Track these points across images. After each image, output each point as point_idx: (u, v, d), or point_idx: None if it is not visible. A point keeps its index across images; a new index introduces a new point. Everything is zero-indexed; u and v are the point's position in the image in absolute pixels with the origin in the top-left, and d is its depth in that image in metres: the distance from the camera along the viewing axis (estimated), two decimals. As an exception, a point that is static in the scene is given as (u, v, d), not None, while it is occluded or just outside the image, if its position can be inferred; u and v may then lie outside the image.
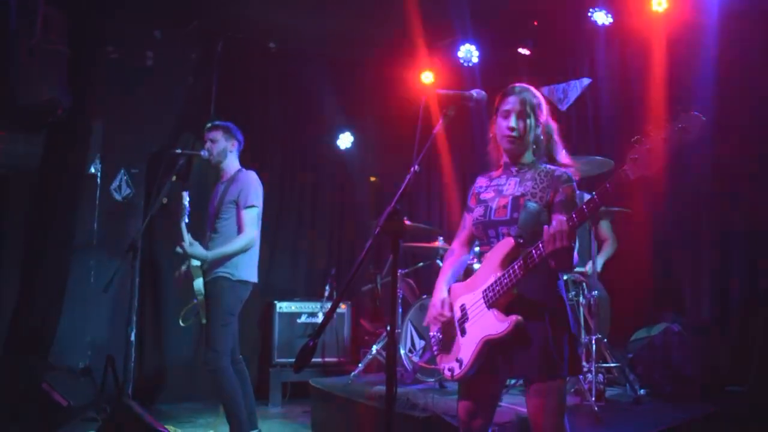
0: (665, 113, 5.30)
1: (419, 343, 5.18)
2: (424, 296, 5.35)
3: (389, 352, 2.20)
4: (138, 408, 3.79)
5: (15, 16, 4.86)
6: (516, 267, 2.39)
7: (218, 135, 4.49)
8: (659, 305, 5.19)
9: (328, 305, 6.47)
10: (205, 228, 4.51)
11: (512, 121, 2.59)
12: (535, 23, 6.16)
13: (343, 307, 6.63)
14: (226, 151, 4.51)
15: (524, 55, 6.24)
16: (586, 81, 5.99)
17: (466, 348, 2.52)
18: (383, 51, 7.16)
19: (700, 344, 4.45)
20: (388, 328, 2.29)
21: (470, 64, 6.64)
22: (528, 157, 2.66)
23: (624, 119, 5.65)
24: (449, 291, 2.70)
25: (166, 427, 3.86)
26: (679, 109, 2.06)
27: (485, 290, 2.50)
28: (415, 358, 5.11)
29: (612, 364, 4.50)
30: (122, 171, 5.99)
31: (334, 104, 7.44)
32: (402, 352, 5.16)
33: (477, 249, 2.91)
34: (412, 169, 2.37)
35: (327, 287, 6.79)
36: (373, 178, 7.93)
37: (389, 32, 6.61)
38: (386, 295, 5.98)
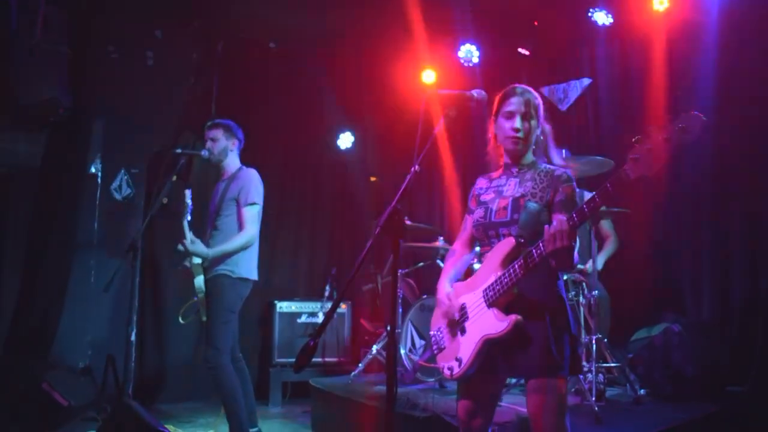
0: (665, 113, 5.30)
1: (419, 343, 5.18)
2: (425, 296, 5.35)
3: (389, 352, 2.20)
4: (138, 408, 3.79)
5: (16, 16, 4.87)
6: (516, 266, 2.40)
7: (219, 134, 4.49)
8: (659, 305, 5.19)
9: (329, 305, 6.47)
10: (205, 226, 4.52)
11: (517, 122, 2.60)
12: (536, 23, 6.16)
13: (343, 307, 6.63)
14: (227, 150, 4.52)
15: (525, 55, 6.24)
16: (586, 81, 5.99)
17: (466, 347, 2.53)
18: (384, 51, 7.15)
19: (701, 344, 4.44)
20: (389, 328, 2.29)
21: (471, 64, 6.64)
22: (529, 157, 2.68)
23: (624, 119, 5.65)
24: (451, 288, 2.72)
25: (167, 426, 3.86)
26: (679, 109, 2.06)
27: (485, 289, 2.50)
28: (415, 357, 5.11)
29: (612, 364, 4.50)
30: (123, 171, 5.99)
31: (335, 104, 7.45)
32: (402, 352, 5.16)
33: (477, 249, 2.92)
34: (412, 169, 2.38)
35: (327, 287, 6.80)
36: (373, 178, 7.93)
37: (390, 32, 6.61)
38: (386, 295, 5.98)
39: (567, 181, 2.56)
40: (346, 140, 7.64)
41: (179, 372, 6.30)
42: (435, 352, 2.72)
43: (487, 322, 2.46)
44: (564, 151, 4.65)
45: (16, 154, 5.63)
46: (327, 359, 6.43)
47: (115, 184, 5.94)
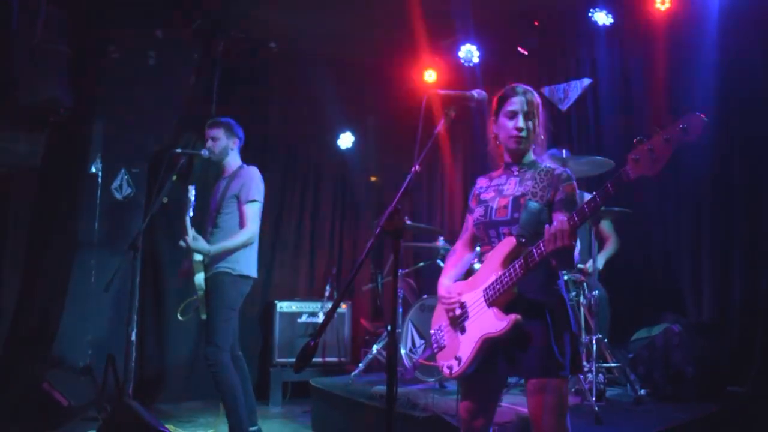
0: (666, 113, 5.31)
1: (419, 343, 5.18)
2: (425, 296, 5.36)
3: (389, 352, 2.20)
4: (138, 407, 3.80)
5: (17, 16, 4.87)
6: (517, 266, 2.40)
7: (220, 133, 4.50)
8: (659, 305, 5.19)
9: (329, 305, 6.47)
10: (205, 224, 4.52)
11: (520, 122, 2.61)
12: (536, 23, 6.16)
13: (343, 307, 6.64)
14: (227, 148, 4.53)
15: (525, 55, 6.24)
16: (586, 81, 5.99)
17: (466, 346, 2.53)
18: (384, 51, 7.16)
19: (701, 344, 4.44)
20: (389, 327, 2.29)
21: (471, 64, 6.64)
22: (529, 156, 2.69)
23: (624, 120, 5.65)
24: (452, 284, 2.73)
25: (167, 426, 3.86)
26: (680, 110, 2.07)
27: (486, 288, 2.51)
28: (415, 357, 5.11)
29: (612, 364, 4.51)
30: (123, 170, 6.00)
31: (335, 104, 7.44)
32: (402, 351, 5.16)
33: (478, 249, 2.93)
34: (413, 169, 2.37)
35: (328, 287, 6.81)
36: (373, 178, 7.94)
37: (390, 32, 6.61)
38: (387, 295, 5.98)
39: (567, 180, 2.57)
40: (346, 140, 7.64)
41: (179, 372, 6.30)
42: (435, 350, 2.73)
43: (486, 322, 2.46)
44: (564, 151, 4.66)
45: (16, 154, 5.62)
46: (327, 359, 6.43)
47: (115, 184, 5.94)
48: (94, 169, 5.83)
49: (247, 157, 4.72)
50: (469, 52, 6.58)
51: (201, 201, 4.56)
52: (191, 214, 4.26)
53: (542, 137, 2.69)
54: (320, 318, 6.51)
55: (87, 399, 5.16)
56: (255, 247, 4.42)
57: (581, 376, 4.09)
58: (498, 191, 2.68)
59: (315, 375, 5.83)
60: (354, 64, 7.50)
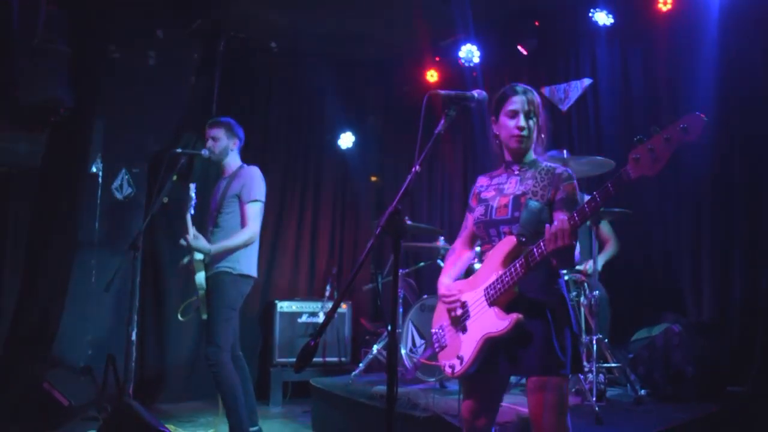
0: (666, 113, 5.31)
1: (420, 343, 5.18)
2: (425, 296, 5.36)
3: (390, 352, 2.20)
4: (139, 407, 3.79)
5: (17, 16, 4.86)
6: (517, 265, 2.41)
7: (220, 133, 4.50)
8: (660, 305, 5.19)
9: (329, 305, 6.47)
10: (206, 224, 4.52)
11: (521, 121, 2.62)
12: (537, 23, 6.16)
13: (344, 307, 6.63)
14: (227, 149, 4.53)
15: (525, 55, 6.24)
16: (587, 81, 5.99)
17: (467, 345, 2.53)
18: (385, 51, 7.16)
19: (701, 344, 4.44)
20: (389, 327, 2.29)
21: (471, 64, 6.64)
22: (530, 156, 2.69)
23: (625, 120, 5.65)
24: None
25: (167, 426, 3.86)
26: (680, 110, 2.07)
27: (487, 288, 2.51)
28: (416, 357, 5.11)
29: (613, 365, 4.51)
30: (124, 170, 6.00)
31: (335, 104, 7.46)
32: (403, 351, 5.16)
33: (478, 249, 2.92)
34: (413, 169, 2.37)
35: (328, 287, 6.81)
36: (374, 178, 7.94)
37: (391, 32, 6.61)
38: (387, 295, 5.98)
39: (568, 180, 2.58)
40: (346, 140, 7.64)
41: (180, 371, 6.30)
42: (436, 350, 2.73)
43: (488, 321, 2.47)
44: (564, 151, 4.66)
45: (17, 153, 5.62)
46: (327, 359, 6.43)
47: (116, 184, 5.95)
48: (94, 169, 5.83)
49: (247, 157, 4.72)
50: (470, 52, 6.58)
51: (201, 201, 4.57)
52: (192, 212, 4.27)
53: (543, 136, 2.70)
54: (320, 318, 6.51)
55: (87, 399, 5.16)
56: (256, 246, 4.42)
57: (581, 376, 4.09)
58: (499, 190, 2.68)
59: (315, 375, 5.83)
60: (354, 64, 7.51)
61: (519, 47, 6.23)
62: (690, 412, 3.99)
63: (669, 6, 5.30)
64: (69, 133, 5.41)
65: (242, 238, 4.28)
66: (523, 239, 2.47)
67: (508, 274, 2.43)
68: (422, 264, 6.04)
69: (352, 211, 7.77)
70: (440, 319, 2.74)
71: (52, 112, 5.22)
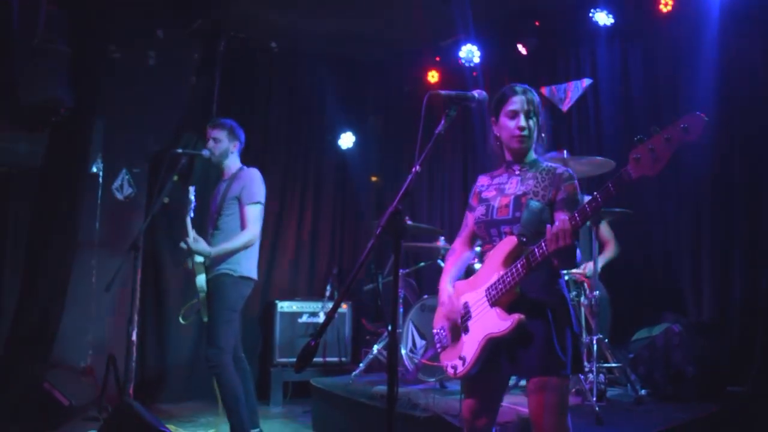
0: (667, 113, 5.31)
1: (420, 343, 5.18)
2: (426, 296, 5.36)
3: (390, 352, 2.20)
4: (139, 407, 3.79)
5: (17, 16, 4.86)
6: (519, 265, 2.41)
7: (222, 134, 4.50)
8: (660, 305, 5.19)
9: (330, 305, 6.47)
10: (206, 226, 4.52)
11: (522, 121, 2.62)
12: (537, 23, 6.16)
13: (344, 307, 6.62)
14: (228, 151, 4.53)
15: (525, 55, 6.24)
16: (587, 81, 5.99)
17: (469, 346, 2.53)
18: (385, 51, 7.16)
19: (701, 344, 4.45)
20: (390, 327, 2.29)
21: (471, 64, 6.64)
22: (531, 156, 2.69)
23: (625, 120, 5.65)
24: (453, 288, 2.72)
25: (168, 426, 3.86)
26: (680, 110, 2.07)
27: (488, 288, 2.51)
28: (416, 357, 5.11)
29: (613, 365, 4.51)
30: (124, 170, 6.00)
31: (336, 104, 7.46)
32: (403, 351, 5.16)
33: (478, 249, 2.92)
34: (413, 169, 2.37)
35: (328, 287, 6.81)
36: (374, 178, 7.94)
37: (391, 32, 6.61)
38: (387, 295, 5.98)
39: (569, 180, 2.58)
40: (347, 140, 7.64)
41: (180, 372, 6.30)
42: (438, 350, 2.73)
43: (490, 321, 2.47)
44: (565, 151, 4.66)
45: (17, 153, 5.62)
46: (328, 359, 6.43)
47: (116, 184, 5.95)
48: (95, 169, 5.84)
49: (247, 158, 4.72)
50: (470, 52, 6.57)
51: (201, 203, 4.57)
52: (192, 215, 4.27)
53: (543, 135, 2.70)
54: (321, 318, 6.51)
55: (88, 399, 5.17)
56: (256, 248, 4.42)
57: (582, 377, 4.09)
58: (499, 190, 2.68)
59: (316, 375, 5.82)
60: (354, 64, 7.51)
61: (519, 47, 6.23)
62: (690, 412, 3.99)
63: (669, 7, 5.30)
64: (69, 133, 5.41)
65: (242, 240, 4.28)
66: (524, 239, 2.47)
67: (509, 274, 2.43)
68: (423, 264, 6.04)
69: (352, 211, 7.76)
70: (441, 319, 2.74)
71: (53, 112, 5.22)
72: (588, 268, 4.71)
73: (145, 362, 6.14)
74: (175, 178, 4.50)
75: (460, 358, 2.56)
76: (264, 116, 7.09)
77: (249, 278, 4.36)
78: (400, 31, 6.57)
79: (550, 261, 2.39)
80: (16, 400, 4.70)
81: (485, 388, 2.63)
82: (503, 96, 2.69)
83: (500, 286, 2.46)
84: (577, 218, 2.28)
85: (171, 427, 4.53)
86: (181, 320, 4.47)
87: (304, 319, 6.50)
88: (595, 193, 2.24)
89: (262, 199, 4.41)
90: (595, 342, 4.27)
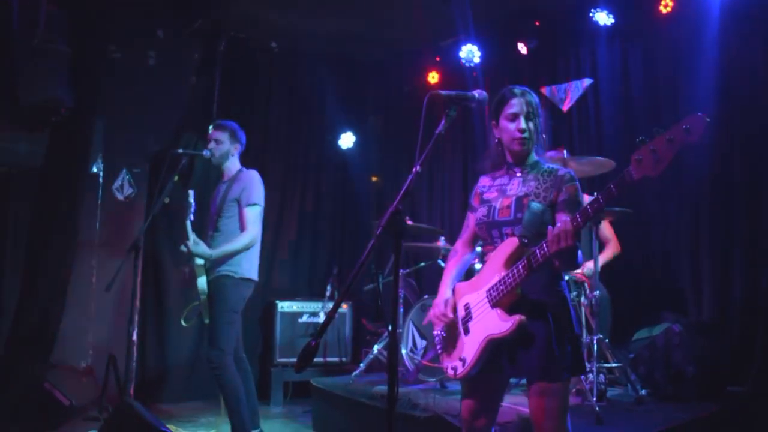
0: (667, 113, 5.31)
1: (420, 343, 5.18)
2: (426, 296, 5.36)
3: (391, 352, 2.21)
4: (140, 407, 3.79)
5: (17, 16, 4.86)
6: (520, 266, 2.40)
7: (224, 136, 4.50)
8: (660, 305, 5.19)
9: (330, 305, 6.47)
10: (206, 228, 4.53)
11: (522, 123, 2.62)
12: (537, 23, 6.16)
13: (344, 307, 6.62)
14: (228, 153, 4.53)
15: (526, 55, 6.24)
16: (587, 81, 5.99)
17: (470, 347, 2.53)
18: (385, 51, 7.17)
19: (701, 344, 4.45)
20: (390, 327, 2.29)
21: (472, 65, 6.64)
22: (532, 157, 2.69)
23: (625, 120, 5.65)
24: (453, 290, 2.72)
25: (168, 426, 3.86)
26: (680, 110, 2.08)
27: (489, 289, 2.51)
28: (416, 357, 5.11)
29: (613, 365, 4.51)
30: (124, 170, 6.00)
31: (336, 104, 7.46)
32: (403, 351, 5.16)
33: (479, 249, 2.92)
34: (414, 169, 2.37)
35: (329, 287, 6.81)
36: (374, 178, 7.94)
37: (391, 32, 6.61)
38: (388, 295, 5.98)
39: (570, 181, 2.58)
40: (348, 140, 7.64)
41: (181, 372, 6.30)
42: (439, 351, 2.73)
43: (491, 322, 2.47)
44: (565, 151, 4.67)
45: (17, 153, 5.63)
46: (328, 359, 6.43)
47: (116, 184, 5.95)
48: (95, 169, 5.84)
49: (247, 158, 4.72)
50: (470, 53, 6.57)
51: (201, 204, 4.57)
52: (192, 218, 4.27)
53: (544, 136, 2.70)
54: (321, 318, 6.51)
55: (88, 399, 5.17)
56: (257, 250, 4.42)
57: (582, 376, 4.09)
58: (501, 191, 2.68)
59: (316, 375, 5.82)
60: (354, 64, 7.51)
61: (519, 47, 6.23)
62: (690, 412, 3.99)
63: (669, 8, 5.30)
64: (69, 133, 5.42)
65: (242, 242, 4.28)
66: (526, 241, 2.47)
67: (510, 275, 2.43)
68: (423, 264, 6.04)
69: (353, 211, 7.76)
70: (434, 320, 2.74)
71: (53, 112, 5.22)
72: (587, 267, 4.71)
73: (146, 362, 6.14)
74: (176, 178, 4.50)
75: (461, 359, 2.56)
76: (264, 116, 7.09)
77: (250, 279, 4.36)
78: (400, 31, 6.56)
79: (552, 262, 2.39)
80: (17, 400, 4.70)
81: (485, 389, 2.63)
82: (502, 99, 2.68)
83: (501, 287, 2.46)
84: (579, 219, 2.27)
85: (171, 427, 4.53)
86: (182, 323, 4.47)
87: (305, 319, 6.50)
88: (597, 194, 2.24)
89: (262, 201, 4.41)
90: (595, 342, 4.27)
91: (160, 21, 6.12)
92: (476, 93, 2.60)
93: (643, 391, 4.37)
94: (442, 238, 5.60)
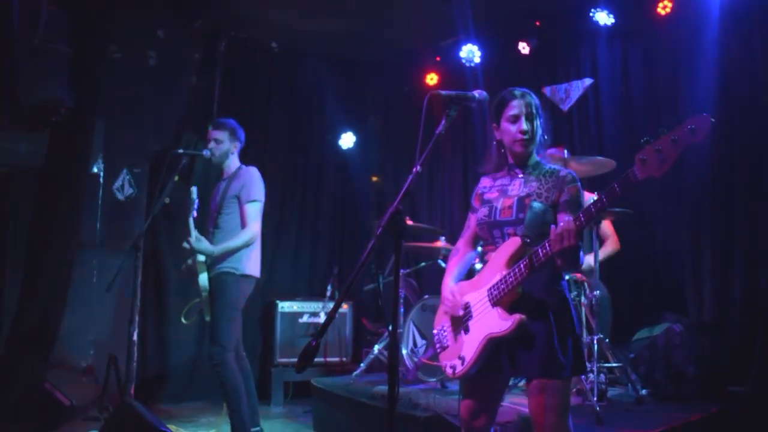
0: (667, 113, 5.31)
1: (421, 343, 5.18)
2: (426, 296, 5.36)
3: (391, 352, 2.21)
4: (140, 407, 3.79)
5: (17, 16, 4.86)
6: (522, 266, 2.41)
7: (224, 136, 4.51)
8: (660, 305, 5.20)
9: (330, 305, 6.47)
10: (206, 225, 4.53)
11: (524, 125, 2.62)
12: (537, 23, 6.16)
13: (345, 307, 6.62)
14: (228, 152, 4.55)
15: (526, 55, 6.24)
16: (588, 81, 5.99)
17: (469, 346, 2.53)
18: (385, 51, 7.16)
19: (702, 344, 4.45)
20: (390, 327, 2.29)
21: (472, 65, 6.64)
22: (533, 158, 2.69)
23: (626, 119, 5.65)
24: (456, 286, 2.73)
25: (169, 426, 3.86)
26: (680, 110, 2.08)
27: (490, 288, 2.51)
28: (417, 357, 5.11)
29: (614, 364, 4.51)
30: (125, 170, 6.00)
31: (336, 104, 7.46)
32: (404, 351, 5.16)
33: (479, 249, 2.92)
34: (414, 169, 2.37)
35: (329, 287, 6.80)
36: (375, 178, 7.94)
37: (391, 32, 6.61)
38: (388, 295, 5.98)
39: (572, 182, 2.58)
40: (348, 140, 7.64)
41: (181, 372, 6.30)
42: (438, 350, 2.73)
43: (491, 321, 2.47)
44: (565, 151, 4.67)
45: (17, 153, 5.62)
46: (329, 359, 6.43)
47: (117, 184, 5.95)
48: (95, 169, 5.83)
49: (247, 158, 4.73)
50: (471, 53, 6.57)
51: (201, 201, 4.57)
52: (195, 215, 4.28)
53: (545, 137, 2.70)
54: (322, 318, 6.51)
55: (88, 399, 5.16)
56: (257, 246, 4.43)
57: (582, 376, 4.09)
58: (502, 192, 2.68)
59: (316, 375, 5.82)
60: (354, 64, 7.51)
61: (519, 47, 6.23)
62: (690, 412, 3.99)
63: (668, 9, 5.30)
64: (69, 133, 5.41)
65: (243, 238, 4.29)
66: (528, 240, 2.47)
67: (512, 274, 2.44)
68: (423, 264, 6.04)
69: (353, 211, 7.76)
70: (442, 319, 2.74)
71: (53, 112, 5.22)
72: (586, 261, 4.71)
73: (146, 362, 6.13)
74: (176, 178, 4.50)
75: (460, 357, 2.56)
76: (264, 116, 7.09)
77: (251, 276, 4.37)
78: (400, 31, 6.56)
79: (553, 262, 2.39)
80: (17, 400, 4.70)
81: (484, 389, 2.63)
82: (503, 101, 2.69)
83: (502, 286, 2.46)
84: (582, 219, 2.28)
85: (172, 427, 4.53)
86: (183, 320, 4.47)
87: (305, 319, 6.50)
88: (600, 194, 2.25)
89: (262, 197, 4.42)
90: (595, 342, 4.27)
91: (160, 21, 6.12)
92: (476, 93, 2.60)
93: (644, 391, 4.37)
94: (443, 238, 5.60)
